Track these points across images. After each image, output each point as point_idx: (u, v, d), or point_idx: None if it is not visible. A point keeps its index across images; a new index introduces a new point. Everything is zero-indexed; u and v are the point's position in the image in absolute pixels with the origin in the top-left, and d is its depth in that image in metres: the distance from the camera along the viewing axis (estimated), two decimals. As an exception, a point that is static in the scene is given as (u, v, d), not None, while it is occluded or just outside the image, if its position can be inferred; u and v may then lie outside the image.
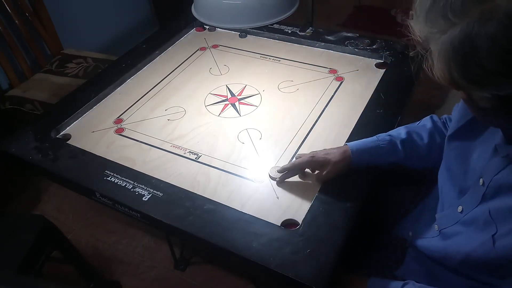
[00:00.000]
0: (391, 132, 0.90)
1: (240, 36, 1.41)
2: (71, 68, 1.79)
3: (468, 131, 0.73)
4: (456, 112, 0.78)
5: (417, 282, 0.75)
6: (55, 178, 0.99)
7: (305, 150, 0.97)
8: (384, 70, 1.19)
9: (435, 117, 0.91)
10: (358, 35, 1.33)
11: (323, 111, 1.08)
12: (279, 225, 0.80)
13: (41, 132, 1.06)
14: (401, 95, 1.10)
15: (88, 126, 1.10)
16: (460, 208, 0.71)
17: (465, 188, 0.72)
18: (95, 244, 1.61)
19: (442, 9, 0.50)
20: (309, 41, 1.34)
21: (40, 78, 1.76)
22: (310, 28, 1.38)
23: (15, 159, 1.01)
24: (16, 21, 1.70)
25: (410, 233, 0.87)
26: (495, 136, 0.66)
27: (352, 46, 1.28)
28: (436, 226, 0.78)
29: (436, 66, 0.52)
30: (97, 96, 1.17)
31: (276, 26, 1.40)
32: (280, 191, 0.88)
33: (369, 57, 1.25)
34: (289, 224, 0.81)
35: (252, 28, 1.37)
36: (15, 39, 1.71)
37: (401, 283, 0.75)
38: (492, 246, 0.62)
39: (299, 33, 1.37)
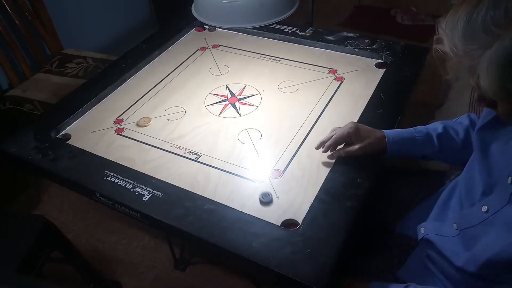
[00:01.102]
0: (428, 125, 0.91)
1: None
2: (71, 68, 1.79)
3: (495, 127, 0.72)
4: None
5: (419, 283, 0.74)
6: (55, 178, 0.99)
7: (305, 150, 0.97)
8: (384, 70, 1.19)
9: (472, 115, 0.92)
10: (358, 35, 1.33)
11: (323, 111, 1.08)
12: (279, 225, 0.80)
13: (41, 132, 1.06)
14: (401, 95, 1.10)
15: (88, 126, 1.10)
16: (485, 208, 0.69)
17: (489, 187, 0.71)
18: (95, 244, 1.61)
19: (482, 25, 0.51)
20: (309, 41, 1.34)
21: (40, 78, 1.76)
22: (310, 28, 1.38)
23: (15, 159, 1.01)
24: (16, 21, 1.70)
25: (422, 230, 0.84)
26: None
27: (352, 46, 1.28)
28: (455, 225, 0.76)
29: (485, 81, 0.53)
30: (97, 96, 1.17)
31: (276, 26, 1.40)
32: (280, 191, 0.88)
33: (369, 57, 1.25)
34: (289, 224, 0.80)
35: (252, 28, 1.37)
36: (15, 39, 1.71)
37: (402, 286, 0.75)
38: None
39: (299, 33, 1.37)
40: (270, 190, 0.88)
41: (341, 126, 0.92)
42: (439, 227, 0.81)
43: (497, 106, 0.58)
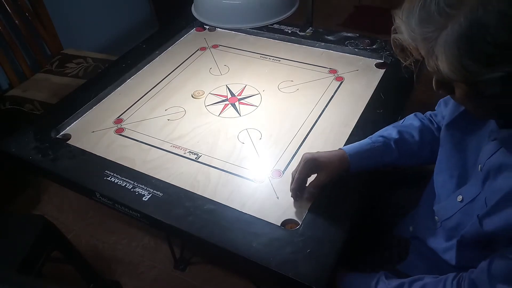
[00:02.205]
0: (382, 132, 0.90)
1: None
2: (71, 68, 1.79)
3: (464, 120, 0.74)
4: (451, 102, 0.79)
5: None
6: (55, 178, 0.99)
7: (305, 150, 0.97)
8: (384, 70, 1.19)
9: (419, 114, 0.92)
10: (358, 35, 1.33)
11: (323, 111, 1.08)
12: (279, 225, 0.80)
13: (41, 132, 1.06)
14: (401, 95, 1.10)
15: (88, 126, 1.10)
16: (460, 198, 0.72)
17: (464, 177, 0.73)
18: (95, 244, 1.61)
19: (436, 8, 0.52)
20: (309, 41, 1.34)
21: (40, 78, 1.76)
22: (310, 28, 1.38)
23: (15, 159, 1.01)
24: (16, 21, 1.70)
25: (411, 228, 0.87)
26: (490, 123, 0.68)
27: (352, 46, 1.28)
28: (436, 218, 0.79)
29: (443, 62, 0.54)
30: (97, 96, 1.17)
31: (276, 26, 1.40)
32: (280, 191, 0.88)
33: (369, 57, 1.25)
34: (289, 224, 0.81)
35: (252, 28, 1.37)
36: (15, 39, 1.71)
37: (376, 278, 0.76)
38: (479, 226, 0.64)
39: (299, 33, 1.37)
40: (270, 190, 0.88)
41: (340, 127, 0.91)
42: (425, 223, 0.83)
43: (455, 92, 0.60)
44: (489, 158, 0.65)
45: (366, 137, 0.89)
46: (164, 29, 1.49)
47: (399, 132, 0.88)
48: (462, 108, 0.73)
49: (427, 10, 0.53)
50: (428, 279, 0.73)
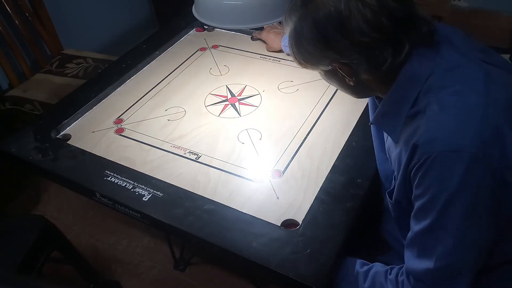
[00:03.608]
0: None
1: (252, 39, 1.39)
2: (71, 68, 1.79)
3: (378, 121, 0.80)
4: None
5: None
6: (55, 178, 0.99)
7: (305, 150, 0.97)
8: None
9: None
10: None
11: (323, 111, 1.08)
12: (279, 225, 0.80)
13: (41, 132, 1.06)
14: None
15: (88, 126, 1.10)
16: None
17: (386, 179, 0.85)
18: (95, 244, 1.61)
19: (287, 13, 0.70)
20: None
21: (40, 78, 1.76)
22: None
23: (15, 159, 1.01)
24: (16, 21, 1.70)
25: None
26: None
27: (352, 46, 1.28)
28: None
29: (290, 52, 0.73)
30: (97, 96, 1.17)
31: (276, 26, 1.40)
32: (280, 191, 0.88)
33: (369, 57, 1.25)
34: (289, 224, 0.81)
35: (253, 29, 1.37)
36: (15, 39, 1.71)
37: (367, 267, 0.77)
38: (390, 200, 0.76)
39: (299, 33, 1.36)
40: (270, 190, 0.88)
41: (340, 127, 0.95)
42: (388, 215, 0.88)
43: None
44: (386, 142, 0.79)
45: (366, 137, 0.90)
46: (164, 29, 1.49)
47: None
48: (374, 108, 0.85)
49: (286, 15, 0.70)
50: (378, 267, 0.75)
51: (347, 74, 0.69)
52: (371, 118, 0.87)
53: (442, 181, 0.60)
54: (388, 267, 0.74)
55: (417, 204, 0.65)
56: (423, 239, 0.65)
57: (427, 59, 0.66)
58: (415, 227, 0.65)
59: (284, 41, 1.23)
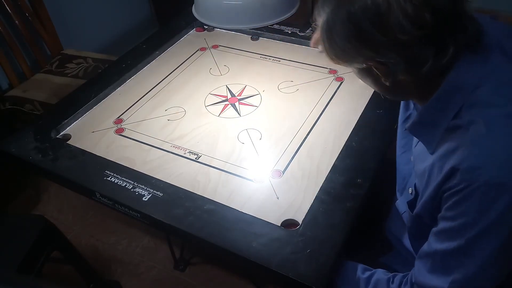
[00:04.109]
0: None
1: (252, 39, 1.40)
2: (71, 68, 1.79)
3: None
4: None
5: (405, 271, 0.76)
6: (55, 178, 0.99)
7: (305, 150, 0.97)
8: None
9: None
10: (358, 35, 1.32)
11: (323, 111, 1.08)
12: (279, 225, 0.80)
13: (41, 132, 1.06)
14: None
15: (88, 126, 1.10)
16: (410, 190, 0.76)
17: (411, 171, 0.81)
18: (95, 244, 1.61)
19: (320, 2, 0.63)
20: (309, 41, 1.32)
21: (40, 78, 1.76)
22: (310, 28, 1.37)
23: (15, 159, 1.01)
24: (16, 21, 1.70)
25: (392, 228, 0.93)
26: None
27: (352, 46, 1.28)
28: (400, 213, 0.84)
29: (322, 46, 0.66)
30: (97, 96, 1.17)
31: (276, 26, 1.40)
32: (280, 191, 0.88)
33: (369, 57, 1.25)
34: (289, 224, 0.81)
35: (252, 29, 1.37)
36: (15, 39, 1.71)
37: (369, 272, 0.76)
38: (410, 212, 0.72)
39: (299, 33, 1.37)
40: (270, 190, 0.88)
41: (340, 127, 0.94)
42: (396, 220, 0.88)
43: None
44: (415, 147, 0.73)
45: (366, 137, 0.90)
46: (164, 29, 1.49)
47: None
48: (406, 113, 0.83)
49: (319, 4, 0.63)
50: (380, 274, 0.74)
51: (383, 74, 0.62)
52: (400, 119, 0.84)
53: (480, 212, 0.56)
54: (390, 274, 0.73)
55: (443, 224, 0.61)
56: (443, 259, 0.62)
57: (475, 68, 0.58)
58: (436, 244, 0.62)
59: None
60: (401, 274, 0.71)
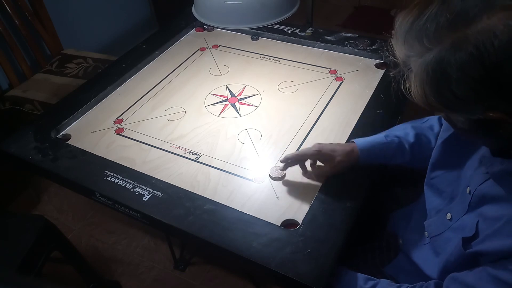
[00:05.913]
0: (398, 132, 0.87)
1: (252, 39, 1.40)
2: (71, 68, 1.79)
3: (455, 140, 0.74)
4: None
5: (407, 281, 0.75)
6: (55, 178, 0.99)
7: (305, 150, 0.97)
8: (384, 70, 1.19)
9: (443, 120, 0.89)
10: (358, 35, 1.33)
11: (323, 111, 1.08)
12: (279, 225, 0.80)
13: (41, 132, 1.06)
14: (401, 95, 1.09)
15: (88, 126, 1.10)
16: (449, 216, 0.71)
17: (455, 195, 0.73)
18: (95, 244, 1.61)
19: (418, 34, 0.51)
20: (309, 41, 1.34)
21: (40, 78, 1.76)
22: (310, 28, 1.38)
23: (15, 159, 1.01)
24: (16, 21, 1.70)
25: (401, 241, 0.87)
26: (483, 146, 0.67)
27: (352, 47, 1.28)
28: (426, 233, 0.79)
29: (414, 88, 0.54)
30: (97, 96, 1.17)
31: (276, 26, 1.40)
32: (280, 191, 0.88)
33: (369, 57, 1.25)
34: (289, 224, 0.81)
35: (252, 29, 1.37)
36: (15, 39, 1.71)
37: (395, 286, 0.75)
38: (462, 249, 0.63)
39: (299, 33, 1.37)
40: (270, 190, 0.88)
41: (340, 127, 0.92)
42: (414, 237, 0.82)
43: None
44: (481, 185, 0.64)
45: (366, 137, 0.89)
46: (164, 29, 1.49)
47: (417, 135, 0.85)
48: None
49: (412, 34, 0.52)
50: (384, 285, 0.73)
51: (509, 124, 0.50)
52: (443, 134, 0.77)
53: None
54: (395, 285, 0.72)
55: (507, 275, 0.56)
56: None
57: None
58: (487, 285, 0.58)
59: None
60: (407, 286, 0.70)
